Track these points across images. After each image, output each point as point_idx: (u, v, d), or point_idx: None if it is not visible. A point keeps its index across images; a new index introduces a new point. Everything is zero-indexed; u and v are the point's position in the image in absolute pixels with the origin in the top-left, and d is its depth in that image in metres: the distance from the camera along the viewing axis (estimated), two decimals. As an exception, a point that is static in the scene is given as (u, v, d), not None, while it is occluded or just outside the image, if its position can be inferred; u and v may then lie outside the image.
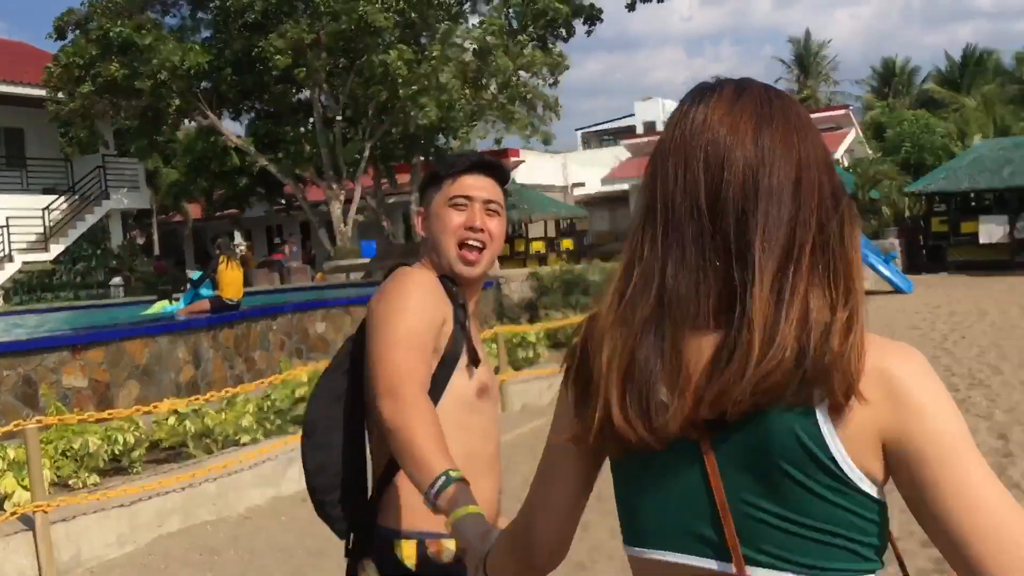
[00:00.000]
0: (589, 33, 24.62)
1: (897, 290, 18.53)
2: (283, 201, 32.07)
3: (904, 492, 0.98)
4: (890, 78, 56.14)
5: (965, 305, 14.61)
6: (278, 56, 20.20)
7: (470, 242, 1.95)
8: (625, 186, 34.28)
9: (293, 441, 6.53)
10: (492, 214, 2.00)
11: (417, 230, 2.05)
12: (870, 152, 33.81)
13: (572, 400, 1.12)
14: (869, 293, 13.79)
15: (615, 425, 1.03)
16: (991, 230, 22.08)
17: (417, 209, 2.06)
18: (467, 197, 1.96)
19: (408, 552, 1.86)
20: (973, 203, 24.19)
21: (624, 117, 58.50)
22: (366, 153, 22.76)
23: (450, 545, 1.83)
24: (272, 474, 6.35)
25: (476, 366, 1.95)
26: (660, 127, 51.16)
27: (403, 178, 26.51)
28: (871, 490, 0.97)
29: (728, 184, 1.01)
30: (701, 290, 1.01)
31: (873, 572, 1.00)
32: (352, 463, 1.91)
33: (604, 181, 35.44)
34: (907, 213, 27.16)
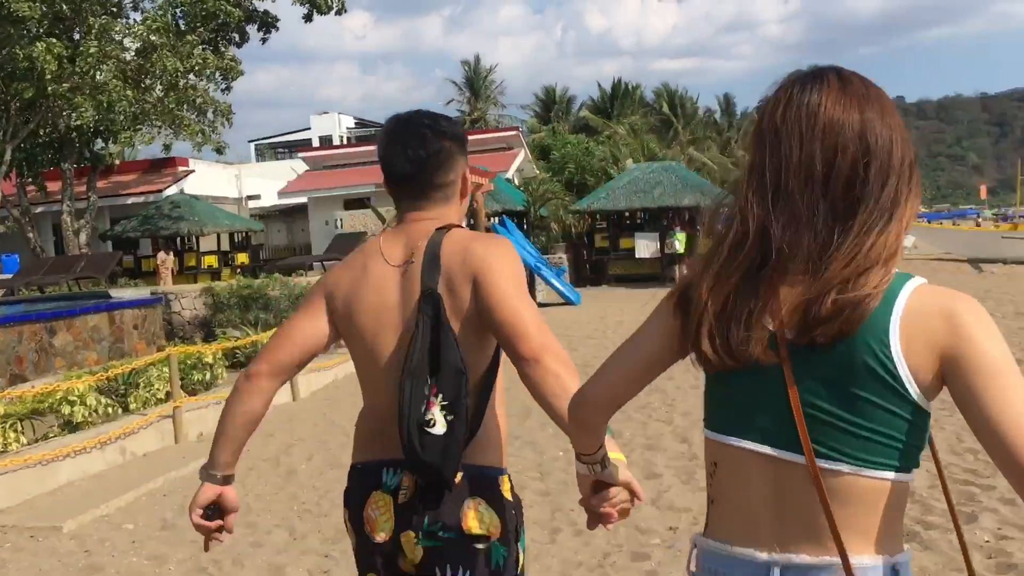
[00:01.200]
0: (264, 41, 23.65)
1: (567, 302, 19.60)
2: (-101, 209, 27.51)
3: (956, 396, 1.23)
4: (551, 104, 60.16)
5: (629, 316, 15.71)
6: None
7: None
8: (303, 199, 33.43)
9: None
10: None
11: (467, 188, 2.16)
12: (538, 172, 35.79)
13: (677, 319, 1.38)
14: (543, 305, 14.34)
15: (703, 352, 1.31)
16: (645, 246, 24.17)
17: (465, 171, 2.16)
18: None
19: (507, 487, 2.03)
20: (628, 221, 26.34)
21: (300, 130, 57.74)
22: (7, 156, 20.11)
23: None
24: None
25: None
26: (336, 141, 51.11)
27: (53, 185, 23.77)
28: (924, 403, 1.25)
29: (842, 159, 1.27)
30: (808, 244, 1.26)
31: (910, 471, 1.29)
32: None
33: (281, 194, 34.32)
34: (573, 230, 29.00)
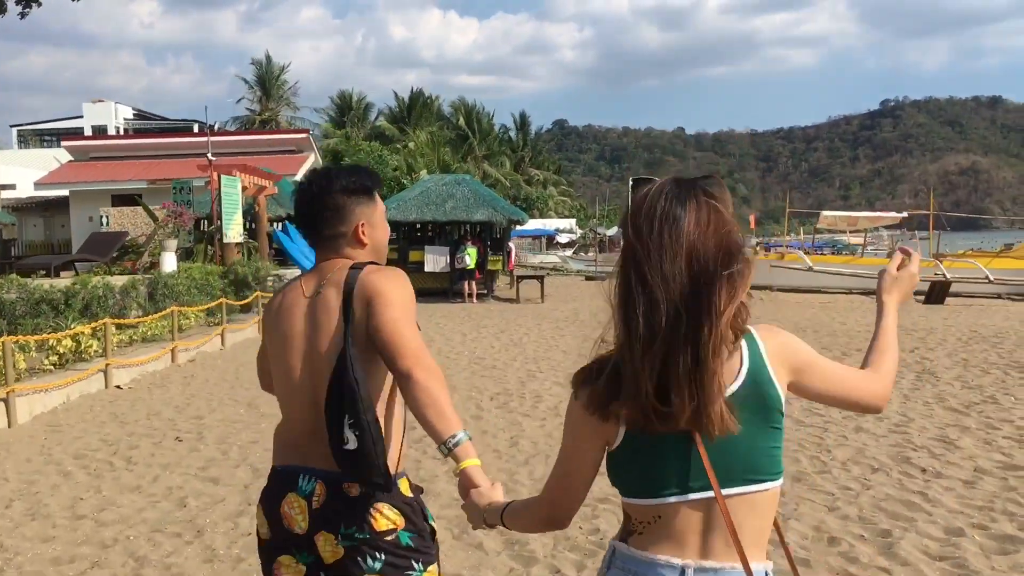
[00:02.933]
0: (23, 15, 21.13)
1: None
2: None
3: (808, 394, 1.76)
4: (347, 110, 58.81)
5: (413, 332, 15.03)
6: None
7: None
8: (64, 192, 30.46)
9: None
10: None
11: (362, 237, 2.43)
12: (328, 178, 34.57)
13: (599, 407, 1.67)
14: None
15: (659, 417, 1.61)
16: (434, 260, 23.57)
17: (361, 222, 2.42)
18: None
19: (405, 487, 2.39)
20: (419, 233, 25.63)
21: (71, 118, 53.96)
22: None
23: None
24: None
25: None
26: (112, 130, 47.68)
27: None
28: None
29: (700, 271, 1.61)
30: (684, 336, 1.60)
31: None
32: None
33: (38, 185, 31.12)
34: (361, 239, 28.04)
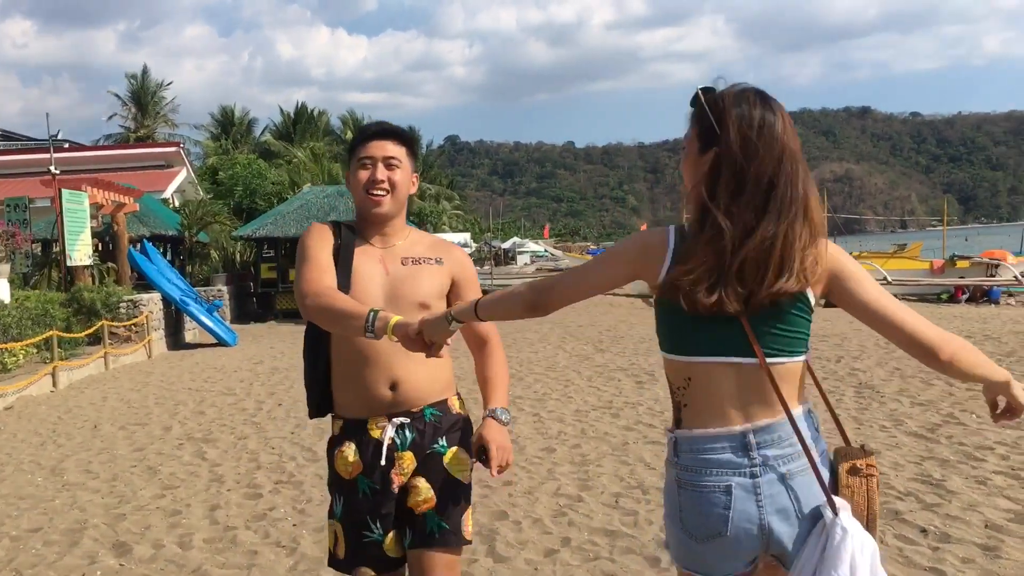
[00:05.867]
0: None
1: (221, 342, 16.72)
2: None
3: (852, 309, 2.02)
4: (229, 126, 56.04)
5: (290, 359, 13.35)
6: None
7: (373, 192, 2.60)
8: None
9: None
10: (393, 167, 2.62)
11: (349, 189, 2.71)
12: (202, 194, 32.13)
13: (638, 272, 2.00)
14: (192, 346, 11.40)
15: (706, 300, 1.89)
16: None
17: (345, 174, 2.74)
18: (370, 158, 2.62)
19: (336, 427, 2.63)
20: (301, 250, 23.71)
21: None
22: None
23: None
24: None
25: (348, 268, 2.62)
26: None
27: None
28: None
29: (788, 169, 1.91)
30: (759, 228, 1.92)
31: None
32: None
33: None
34: (238, 258, 25.87)
